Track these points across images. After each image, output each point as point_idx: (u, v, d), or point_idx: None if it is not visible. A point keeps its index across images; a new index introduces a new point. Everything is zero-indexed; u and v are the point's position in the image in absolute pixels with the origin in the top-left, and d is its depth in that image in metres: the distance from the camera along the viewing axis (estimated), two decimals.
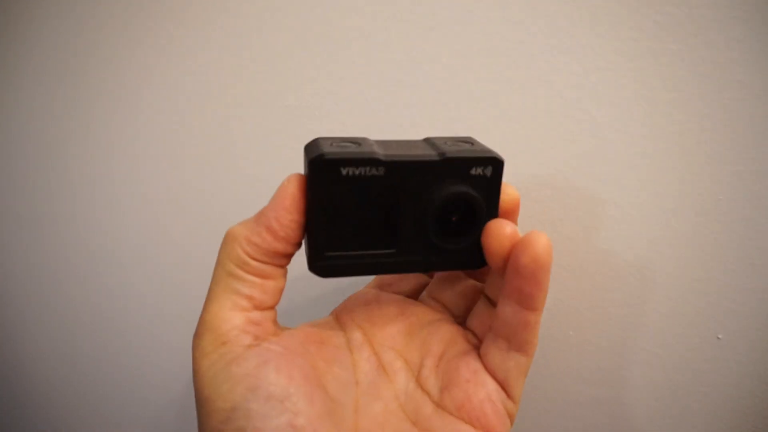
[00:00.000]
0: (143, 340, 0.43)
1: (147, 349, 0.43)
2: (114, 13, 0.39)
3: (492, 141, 0.32)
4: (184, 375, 0.43)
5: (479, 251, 0.22)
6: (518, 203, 0.23)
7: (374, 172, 0.20)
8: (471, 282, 0.26)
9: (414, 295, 0.27)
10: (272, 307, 0.22)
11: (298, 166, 0.33)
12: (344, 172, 0.20)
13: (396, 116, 0.34)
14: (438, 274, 0.27)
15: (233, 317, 0.21)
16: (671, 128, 0.29)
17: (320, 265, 0.21)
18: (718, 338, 0.30)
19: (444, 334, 0.24)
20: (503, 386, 0.22)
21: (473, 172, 0.21)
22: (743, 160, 0.28)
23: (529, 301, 0.20)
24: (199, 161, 0.39)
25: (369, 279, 0.29)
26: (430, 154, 0.21)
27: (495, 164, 0.21)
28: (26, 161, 0.44)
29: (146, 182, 0.41)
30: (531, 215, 0.32)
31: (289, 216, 0.21)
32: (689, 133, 0.29)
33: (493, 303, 0.24)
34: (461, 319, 0.26)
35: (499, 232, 0.21)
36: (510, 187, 0.23)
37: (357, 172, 0.20)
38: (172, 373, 0.43)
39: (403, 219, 0.22)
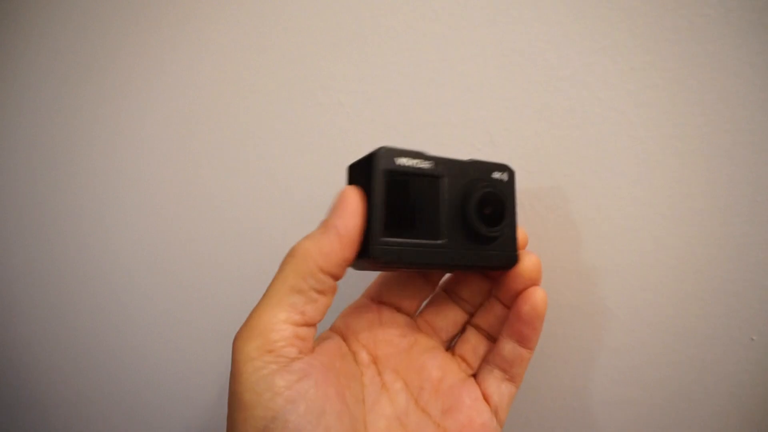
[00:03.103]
0: (146, 341, 0.43)
1: (150, 349, 0.43)
2: (124, 11, 0.40)
3: (528, 140, 0.32)
4: (187, 375, 0.43)
5: (510, 253, 0.26)
6: (526, 243, 0.27)
7: (423, 164, 0.24)
8: (459, 310, 0.29)
9: (410, 311, 0.29)
10: (316, 324, 0.24)
11: (308, 166, 0.33)
12: (399, 162, 0.24)
13: (426, 116, 0.34)
14: (431, 302, 0.29)
15: (284, 329, 0.22)
16: (706, 129, 0.29)
17: (376, 249, 0.23)
18: (752, 339, 0.30)
19: (441, 362, 0.27)
20: (496, 413, 0.26)
21: (495, 175, 0.26)
22: None
23: (526, 340, 0.25)
24: (205, 161, 0.39)
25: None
26: (462, 159, 0.25)
27: (509, 171, 0.26)
28: (31, 162, 0.44)
29: (152, 183, 0.41)
30: (567, 213, 0.32)
31: (354, 220, 0.22)
32: (725, 134, 0.29)
33: (482, 333, 0.28)
34: (449, 344, 0.29)
35: (532, 260, 0.26)
36: (521, 229, 0.27)
37: (409, 163, 0.24)
38: (175, 372, 0.43)
39: (445, 211, 0.24)
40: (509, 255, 0.25)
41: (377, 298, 0.28)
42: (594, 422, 0.33)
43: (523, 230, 0.27)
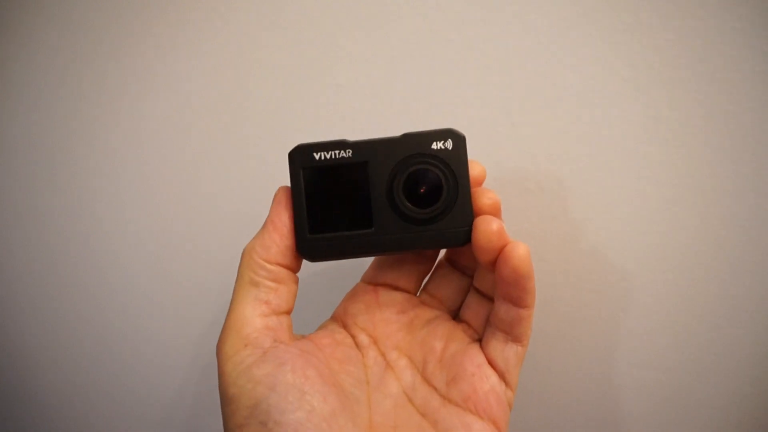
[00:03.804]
0: (147, 343, 0.42)
1: (150, 350, 0.42)
2: (118, 14, 0.40)
3: (549, 124, 0.32)
4: (188, 376, 0.42)
5: (461, 229, 0.24)
6: (498, 206, 0.24)
7: (343, 154, 0.24)
8: (462, 276, 0.28)
9: (413, 283, 0.28)
10: (287, 313, 0.25)
11: None
12: (317, 156, 0.24)
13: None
14: (434, 273, 0.29)
15: (253, 321, 0.23)
16: (733, 107, 0.29)
17: (305, 247, 0.24)
18: None
19: (443, 331, 0.26)
20: (503, 377, 0.24)
21: (434, 146, 0.23)
22: None
23: (519, 301, 0.23)
24: (202, 162, 0.39)
25: (359, 273, 0.30)
26: (395, 135, 0.24)
27: (455, 137, 0.23)
28: (29, 164, 0.43)
29: (150, 185, 0.40)
30: (590, 194, 0.32)
31: (284, 213, 0.24)
32: (752, 112, 0.29)
33: (482, 295, 0.26)
34: (456, 313, 0.28)
35: (486, 229, 0.23)
36: (489, 191, 0.24)
37: (328, 155, 0.24)
38: (175, 374, 0.42)
39: (375, 197, 0.24)
40: (463, 231, 0.23)
41: (373, 281, 0.28)
42: (614, 405, 0.33)
43: (490, 194, 0.24)
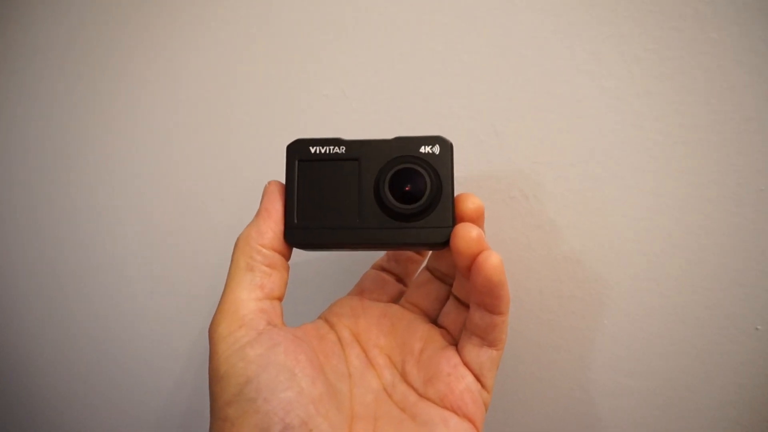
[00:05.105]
0: (145, 346, 0.43)
1: (149, 354, 0.43)
2: (113, 15, 0.40)
3: (531, 130, 0.32)
4: (187, 379, 0.43)
5: (441, 229, 0.24)
6: (482, 212, 0.25)
7: (337, 150, 0.25)
8: (442, 285, 0.29)
9: (393, 302, 0.30)
10: (279, 299, 0.25)
11: None
12: (313, 150, 0.25)
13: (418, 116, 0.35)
14: (415, 282, 0.30)
15: (248, 304, 0.24)
16: (712, 117, 0.29)
17: (291, 234, 0.25)
18: (757, 329, 0.30)
19: (422, 334, 0.27)
20: (478, 378, 0.25)
21: (423, 150, 0.25)
22: None
23: (493, 308, 0.24)
24: (198, 165, 0.40)
25: (350, 285, 0.31)
26: (387, 138, 0.25)
27: (442, 143, 0.25)
28: (27, 171, 0.44)
29: (146, 188, 0.41)
30: (572, 204, 0.32)
31: (277, 202, 0.25)
32: (731, 122, 0.29)
33: (460, 302, 0.27)
34: (434, 319, 0.29)
35: (466, 234, 0.23)
36: (473, 196, 0.25)
37: (323, 150, 0.25)
38: (174, 377, 0.43)
39: (363, 192, 0.25)
40: (442, 231, 0.24)
41: (359, 295, 0.30)
42: (599, 412, 0.33)
43: (473, 199, 0.24)
